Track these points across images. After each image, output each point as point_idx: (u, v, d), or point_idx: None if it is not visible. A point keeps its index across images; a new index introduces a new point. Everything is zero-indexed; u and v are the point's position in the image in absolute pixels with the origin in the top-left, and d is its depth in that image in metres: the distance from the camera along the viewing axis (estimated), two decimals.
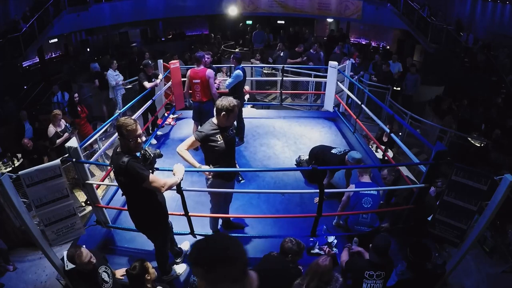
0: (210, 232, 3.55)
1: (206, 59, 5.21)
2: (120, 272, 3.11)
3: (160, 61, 6.36)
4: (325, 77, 6.44)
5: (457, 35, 10.78)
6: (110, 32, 15.14)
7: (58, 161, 2.95)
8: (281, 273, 2.64)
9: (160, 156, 3.10)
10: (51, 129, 5.76)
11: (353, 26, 15.13)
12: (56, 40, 13.39)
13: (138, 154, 2.62)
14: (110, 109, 8.86)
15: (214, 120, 3.08)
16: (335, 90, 6.17)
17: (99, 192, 3.70)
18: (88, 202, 3.42)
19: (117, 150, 2.50)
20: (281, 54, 9.04)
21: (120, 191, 3.46)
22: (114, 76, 8.06)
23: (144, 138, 2.78)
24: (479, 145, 7.20)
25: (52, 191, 2.96)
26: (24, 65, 11.62)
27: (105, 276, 2.79)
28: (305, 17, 13.87)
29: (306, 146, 5.33)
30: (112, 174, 3.60)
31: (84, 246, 2.81)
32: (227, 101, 2.96)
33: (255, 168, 4.91)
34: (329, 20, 14.45)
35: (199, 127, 3.00)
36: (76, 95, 6.95)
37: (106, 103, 8.75)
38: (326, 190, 3.08)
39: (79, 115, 6.89)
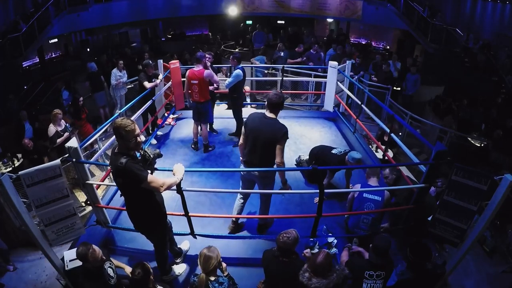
0: (210, 232, 3.56)
1: (207, 59, 5.21)
2: (128, 270, 3.12)
3: (160, 61, 6.36)
4: (325, 77, 6.44)
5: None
6: (110, 32, 15.14)
7: (58, 161, 2.95)
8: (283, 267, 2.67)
9: (160, 156, 3.11)
10: (52, 128, 5.76)
11: (353, 26, 15.13)
12: (56, 40, 13.37)
13: (137, 154, 2.62)
14: (110, 109, 8.86)
15: (270, 114, 3.19)
16: (335, 90, 6.18)
17: (99, 192, 3.70)
18: (88, 202, 3.42)
19: (115, 151, 2.49)
20: (281, 54, 9.04)
21: (120, 191, 3.47)
22: (117, 76, 8.05)
23: (143, 138, 2.79)
24: (479, 145, 7.20)
25: (52, 191, 2.96)
26: (24, 65, 11.60)
27: (110, 271, 2.82)
28: (305, 17, 13.87)
29: (306, 146, 5.33)
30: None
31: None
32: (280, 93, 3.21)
33: None
34: (329, 20, 14.45)
35: (280, 125, 3.18)
36: (81, 98, 6.94)
37: (99, 104, 8.71)
38: (326, 190, 3.08)
39: (80, 117, 6.89)
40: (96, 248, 2.71)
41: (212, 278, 2.53)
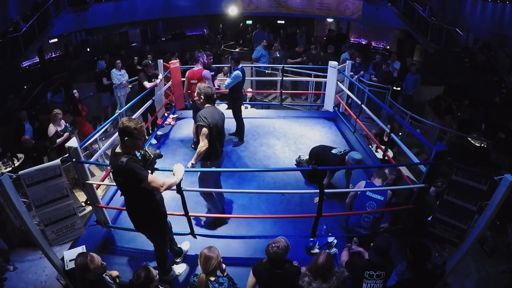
0: (210, 232, 3.55)
1: (207, 60, 5.21)
2: (115, 273, 3.10)
3: (160, 61, 6.36)
4: (325, 77, 6.45)
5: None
6: (110, 32, 15.13)
7: (58, 161, 2.95)
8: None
9: (160, 156, 3.10)
10: (52, 128, 5.76)
11: (353, 26, 15.13)
12: (56, 40, 13.36)
13: (138, 154, 2.62)
14: (112, 109, 8.87)
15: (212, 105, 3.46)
16: (335, 90, 6.18)
17: (99, 192, 3.70)
18: (88, 202, 3.42)
19: (115, 151, 2.50)
20: (277, 54, 9.06)
21: (119, 191, 3.46)
22: (118, 76, 8.06)
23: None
24: (479, 145, 7.19)
25: (52, 191, 2.96)
26: (24, 65, 11.60)
27: (108, 278, 2.75)
28: (305, 17, 13.88)
29: (306, 146, 5.33)
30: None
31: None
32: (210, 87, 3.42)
33: (255, 168, 4.91)
34: (329, 20, 14.45)
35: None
36: (75, 91, 6.95)
37: (102, 104, 8.76)
38: (326, 190, 3.08)
39: (80, 113, 6.90)
40: (94, 254, 2.56)
41: (212, 278, 2.53)
